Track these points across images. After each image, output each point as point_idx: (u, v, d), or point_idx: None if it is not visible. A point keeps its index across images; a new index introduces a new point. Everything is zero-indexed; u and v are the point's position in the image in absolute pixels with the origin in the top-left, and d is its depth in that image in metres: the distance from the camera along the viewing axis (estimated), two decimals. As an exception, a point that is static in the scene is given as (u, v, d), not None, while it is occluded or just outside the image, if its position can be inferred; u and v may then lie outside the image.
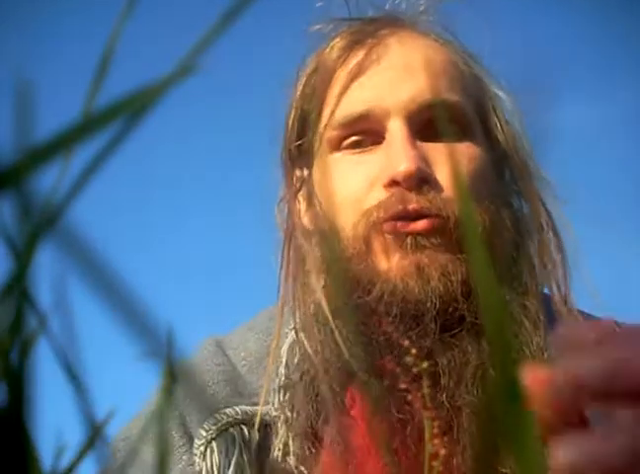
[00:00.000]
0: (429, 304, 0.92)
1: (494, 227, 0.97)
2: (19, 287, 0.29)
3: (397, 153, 0.95)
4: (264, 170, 1.11)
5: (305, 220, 1.05)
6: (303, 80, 1.07)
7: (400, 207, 0.94)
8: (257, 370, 1.04)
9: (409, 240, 0.94)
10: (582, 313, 1.02)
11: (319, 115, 1.03)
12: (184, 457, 0.99)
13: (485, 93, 1.06)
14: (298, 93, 1.07)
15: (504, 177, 1.04)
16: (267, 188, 1.10)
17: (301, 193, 1.06)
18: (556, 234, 1.01)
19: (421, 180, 0.94)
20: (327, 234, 0.96)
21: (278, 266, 1.05)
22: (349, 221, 0.97)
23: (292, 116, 1.07)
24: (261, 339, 1.07)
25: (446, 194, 0.94)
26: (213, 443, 0.97)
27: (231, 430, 0.98)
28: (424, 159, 0.96)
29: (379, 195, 0.97)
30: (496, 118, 1.05)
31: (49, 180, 0.30)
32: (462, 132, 1.00)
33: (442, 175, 0.96)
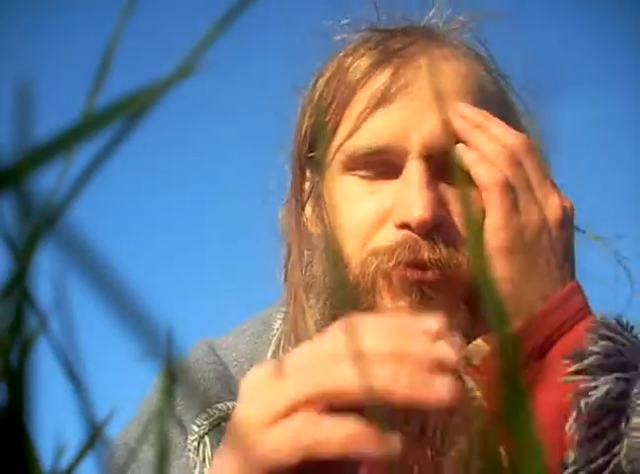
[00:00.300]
0: None
1: None
2: (19, 287, 0.29)
3: (413, 196, 0.93)
4: (268, 173, 1.09)
5: (311, 226, 1.03)
6: (321, 89, 1.03)
7: (411, 257, 0.93)
8: (248, 371, 1.04)
9: (415, 289, 0.93)
10: None
11: (335, 130, 1.00)
12: (184, 453, 0.99)
13: (514, 121, 1.03)
14: (314, 101, 1.04)
15: None
16: (270, 190, 1.08)
17: (310, 200, 1.04)
18: None
19: (434, 227, 0.93)
20: (334, 257, 0.95)
21: (280, 269, 1.04)
22: (355, 254, 0.96)
23: (306, 124, 1.04)
24: (252, 341, 1.07)
25: (459, 239, 0.94)
26: (206, 438, 0.98)
27: (223, 424, 0.98)
28: (440, 202, 0.94)
29: (389, 234, 0.95)
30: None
31: (49, 180, 0.30)
32: None
33: (458, 217, 0.95)
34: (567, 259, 0.95)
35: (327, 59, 1.06)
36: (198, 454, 0.98)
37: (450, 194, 0.96)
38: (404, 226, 0.94)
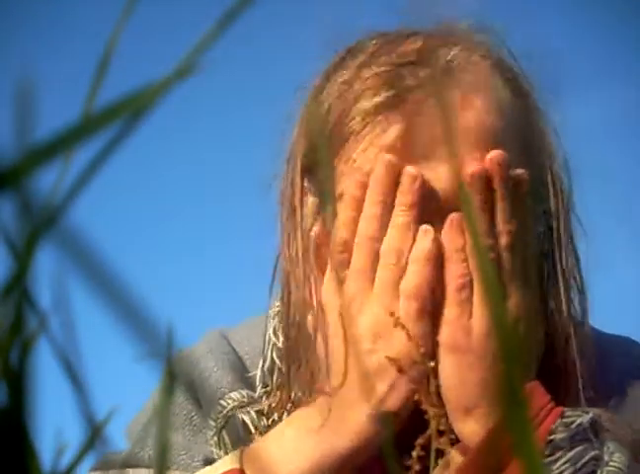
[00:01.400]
0: None
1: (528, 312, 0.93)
2: (19, 287, 0.29)
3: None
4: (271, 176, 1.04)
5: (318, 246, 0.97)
6: (320, 109, 0.95)
7: None
8: (259, 365, 1.05)
9: None
10: (594, 331, 1.03)
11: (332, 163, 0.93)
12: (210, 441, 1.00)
13: (543, 151, 0.98)
14: (312, 129, 0.96)
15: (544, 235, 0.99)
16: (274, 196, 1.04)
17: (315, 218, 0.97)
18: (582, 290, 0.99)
19: None
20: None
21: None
22: None
23: (303, 143, 0.97)
24: (264, 335, 1.07)
25: None
26: (224, 432, 0.98)
27: (238, 413, 0.98)
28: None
29: None
30: (550, 183, 0.98)
31: (49, 180, 0.30)
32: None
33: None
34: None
35: (328, 73, 0.97)
36: (220, 449, 0.98)
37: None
38: None
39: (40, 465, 0.31)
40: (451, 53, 0.93)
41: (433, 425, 0.81)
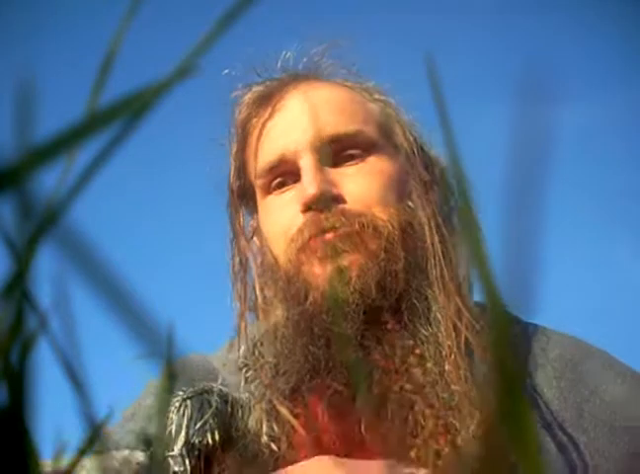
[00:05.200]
0: (351, 302, 1.06)
1: (406, 227, 1.12)
2: (19, 287, 0.29)
3: (305, 181, 1.12)
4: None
5: (260, 256, 1.20)
6: (235, 136, 1.24)
7: (314, 229, 1.10)
8: (230, 369, 1.16)
9: (328, 248, 1.09)
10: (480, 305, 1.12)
11: (244, 166, 1.23)
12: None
13: (386, 114, 1.21)
14: (234, 148, 1.25)
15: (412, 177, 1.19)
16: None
17: (255, 232, 1.23)
18: (442, 235, 1.14)
19: (328, 200, 1.11)
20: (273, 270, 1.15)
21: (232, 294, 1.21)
22: (281, 249, 1.14)
23: (232, 167, 1.25)
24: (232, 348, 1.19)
25: (351, 206, 1.12)
26: (188, 402, 1.05)
27: (206, 395, 1.06)
28: (329, 181, 1.12)
29: (299, 221, 1.12)
30: (401, 134, 1.21)
31: (50, 180, 0.30)
32: (366, 151, 1.16)
33: (347, 191, 1.12)
34: None
35: (235, 114, 1.26)
36: (177, 413, 1.05)
37: (341, 175, 1.13)
38: (307, 209, 1.11)
39: (39, 465, 0.31)
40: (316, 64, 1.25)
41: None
